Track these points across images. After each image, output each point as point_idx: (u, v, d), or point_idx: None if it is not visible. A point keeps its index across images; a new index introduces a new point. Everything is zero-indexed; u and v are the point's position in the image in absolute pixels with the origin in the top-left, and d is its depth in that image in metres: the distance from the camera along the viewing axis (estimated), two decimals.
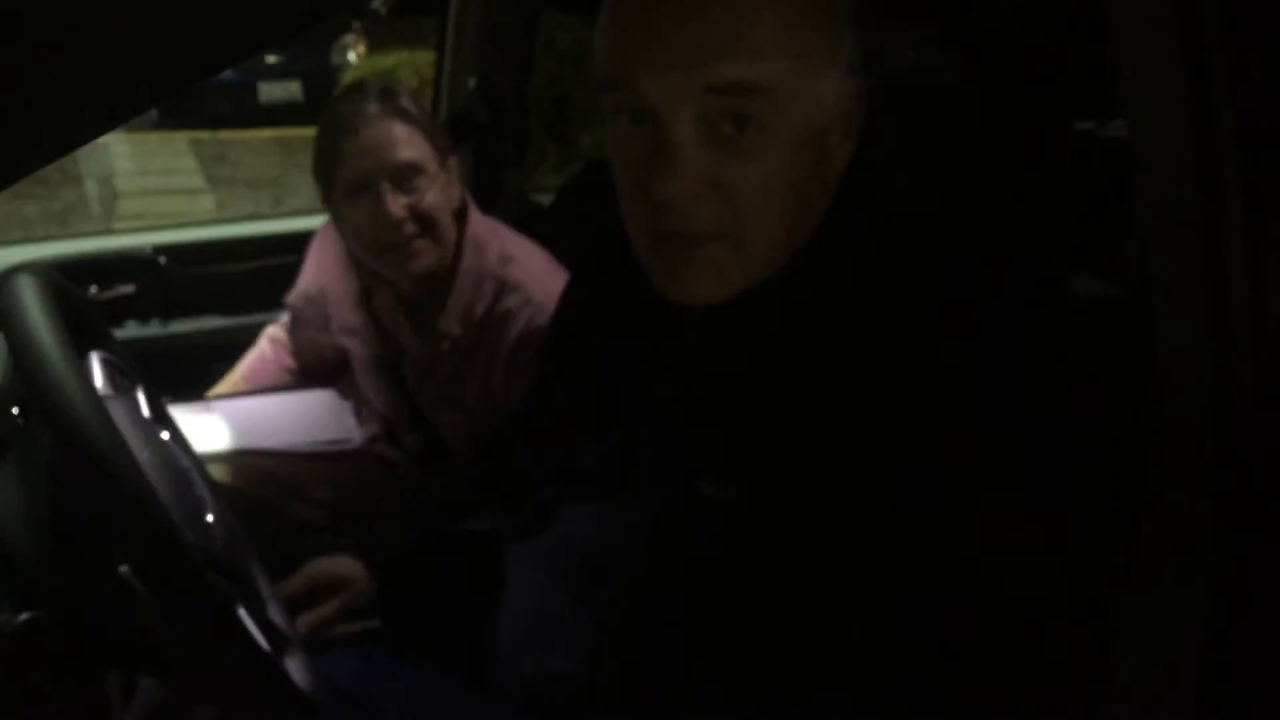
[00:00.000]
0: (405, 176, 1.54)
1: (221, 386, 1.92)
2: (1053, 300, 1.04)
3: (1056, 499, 0.79)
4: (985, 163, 1.13)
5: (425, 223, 1.56)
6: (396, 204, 1.53)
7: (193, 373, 1.93)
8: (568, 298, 1.13)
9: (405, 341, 1.73)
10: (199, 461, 1.08)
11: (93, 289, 2.11)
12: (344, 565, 1.16)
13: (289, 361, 1.92)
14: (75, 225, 6.13)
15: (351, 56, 8.70)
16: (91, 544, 0.79)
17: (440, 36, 2.35)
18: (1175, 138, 0.71)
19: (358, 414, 1.89)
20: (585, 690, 0.94)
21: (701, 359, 0.89)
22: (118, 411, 0.95)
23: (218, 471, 1.69)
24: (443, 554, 1.17)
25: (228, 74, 8.19)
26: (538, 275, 1.62)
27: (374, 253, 1.61)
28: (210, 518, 0.94)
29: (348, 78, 8.24)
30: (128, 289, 2.14)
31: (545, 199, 2.39)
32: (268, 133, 8.09)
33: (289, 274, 1.90)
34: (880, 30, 0.92)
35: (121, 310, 2.13)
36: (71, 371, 0.76)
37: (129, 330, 2.13)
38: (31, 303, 0.80)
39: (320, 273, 1.84)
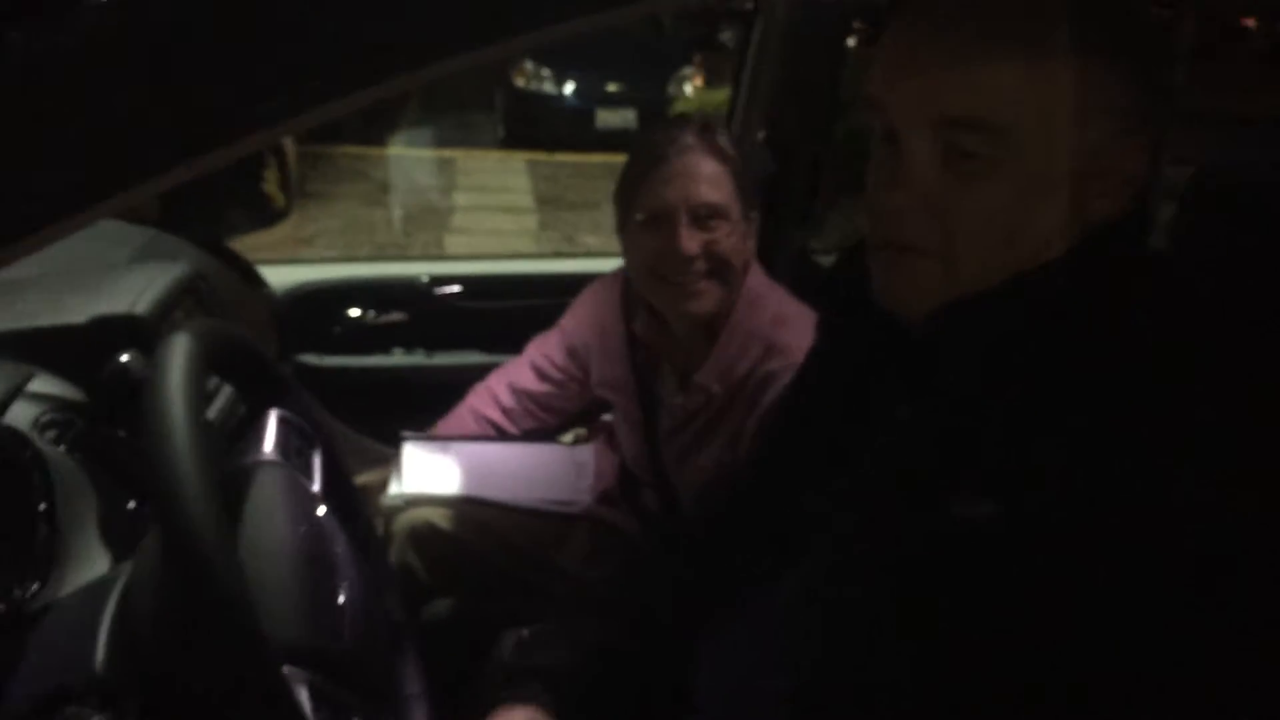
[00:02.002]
0: (706, 215, 1.49)
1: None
2: None
3: None
4: None
5: (715, 265, 1.50)
6: (692, 240, 1.48)
7: (443, 408, 1.92)
8: (817, 343, 1.15)
9: (664, 393, 1.65)
10: (370, 537, 1.03)
11: (371, 313, 2.18)
12: None
13: (498, 417, 1.88)
14: (413, 233, 6.59)
15: (688, 89, 8.86)
16: (185, 635, 0.74)
17: (735, 81, 2.26)
18: None
19: (596, 472, 1.83)
20: None
21: (937, 380, 0.86)
22: (273, 479, 0.91)
23: (438, 516, 1.67)
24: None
25: (570, 99, 8.74)
26: (808, 341, 1.50)
27: (656, 285, 1.54)
28: (343, 604, 0.87)
29: (678, 109, 8.41)
30: (399, 316, 2.19)
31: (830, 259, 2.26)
32: (598, 157, 8.39)
33: (555, 315, 1.87)
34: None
35: (390, 337, 2.19)
36: (189, 452, 0.71)
37: (393, 358, 2.18)
38: (174, 374, 0.76)
39: (590, 327, 1.79)
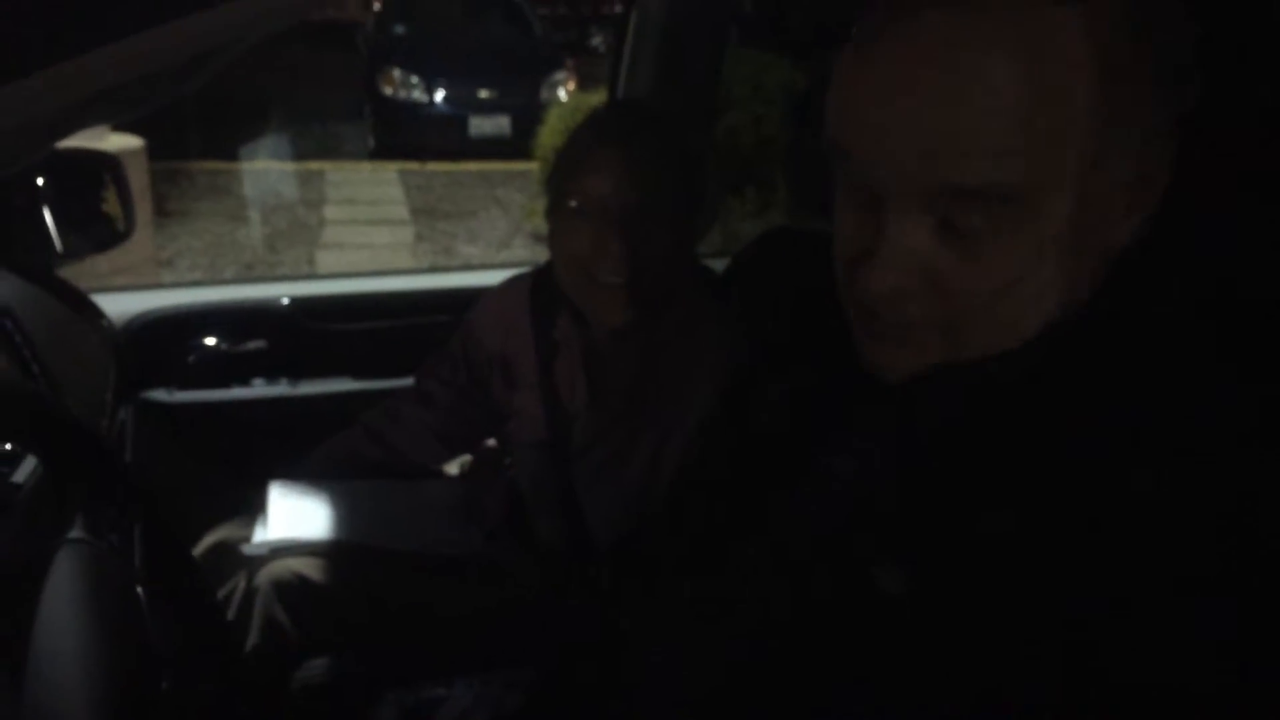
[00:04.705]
0: (646, 213, 1.33)
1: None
2: None
3: None
4: None
5: (650, 268, 1.35)
6: (627, 239, 1.32)
7: (311, 441, 1.75)
8: (741, 370, 1.00)
9: (577, 402, 1.51)
10: (209, 611, 0.87)
11: (224, 344, 1.99)
12: None
13: (398, 439, 1.72)
14: (283, 250, 6.31)
15: (561, 93, 8.75)
16: None
17: (611, 83, 2.14)
18: None
19: (484, 506, 1.68)
20: None
21: (897, 433, 0.75)
22: (75, 563, 0.75)
23: (308, 566, 1.50)
24: None
25: (441, 107, 8.53)
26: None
27: (581, 282, 1.39)
28: (166, 694, 0.72)
29: (554, 114, 8.31)
30: (259, 344, 2.00)
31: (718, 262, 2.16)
32: (473, 166, 8.23)
33: (433, 335, 1.72)
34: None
35: (249, 366, 2.00)
36: None
37: (255, 390, 2.00)
38: None
39: (495, 332, 1.62)
